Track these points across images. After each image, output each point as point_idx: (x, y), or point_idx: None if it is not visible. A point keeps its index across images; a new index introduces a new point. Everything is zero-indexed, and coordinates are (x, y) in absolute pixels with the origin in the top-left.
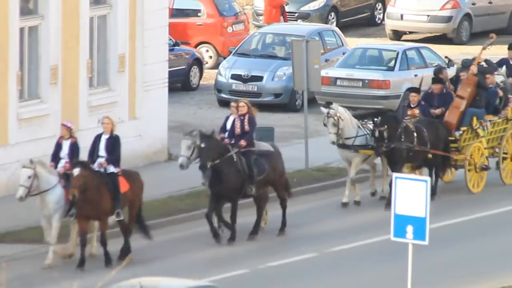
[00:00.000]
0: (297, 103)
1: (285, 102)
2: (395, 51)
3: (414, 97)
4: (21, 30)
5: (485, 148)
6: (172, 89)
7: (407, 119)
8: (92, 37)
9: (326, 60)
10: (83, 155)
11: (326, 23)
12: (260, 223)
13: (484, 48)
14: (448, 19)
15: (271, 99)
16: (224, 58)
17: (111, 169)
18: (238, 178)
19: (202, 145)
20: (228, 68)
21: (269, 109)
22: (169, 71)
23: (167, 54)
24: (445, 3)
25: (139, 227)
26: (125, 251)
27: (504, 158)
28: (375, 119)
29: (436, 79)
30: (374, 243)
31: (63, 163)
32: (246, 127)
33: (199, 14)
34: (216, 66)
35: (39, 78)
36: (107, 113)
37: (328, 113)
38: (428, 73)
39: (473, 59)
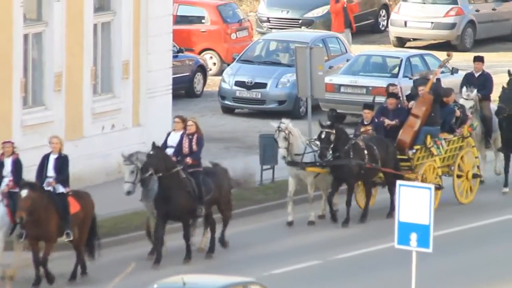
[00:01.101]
0: (301, 110)
1: (289, 109)
2: (399, 58)
3: (367, 114)
4: (25, 37)
5: (439, 167)
6: (176, 96)
7: (361, 135)
8: (96, 44)
9: (330, 67)
10: (28, 172)
11: (330, 30)
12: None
13: (441, 66)
14: (452, 26)
15: (275, 106)
16: (228, 65)
17: (60, 189)
18: (189, 198)
19: (151, 152)
20: (232, 75)
21: (273, 116)
22: (173, 78)
23: (171, 61)
24: (449, 10)
25: (87, 246)
26: (83, 268)
27: (459, 176)
28: (322, 123)
29: (391, 93)
30: (378, 251)
31: (6, 181)
32: (194, 147)
33: (203, 21)
34: (220, 73)
35: (43, 85)
36: (112, 120)
37: (279, 127)
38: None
39: (424, 78)
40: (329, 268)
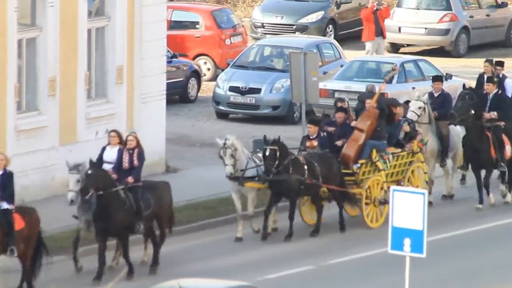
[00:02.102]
0: (295, 115)
1: (283, 115)
2: (392, 63)
3: (311, 129)
4: (19, 42)
5: (385, 182)
6: (170, 101)
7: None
8: (90, 49)
9: (324, 73)
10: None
11: (324, 35)
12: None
13: (386, 80)
14: (446, 32)
15: (269, 112)
16: (222, 70)
17: (4, 205)
18: (127, 214)
19: (89, 172)
20: (226, 80)
21: (267, 121)
22: (167, 83)
23: (165, 66)
24: (442, 16)
25: (32, 263)
26: (28, 284)
27: None
28: (266, 138)
29: (339, 108)
30: (372, 256)
31: None
32: (135, 162)
33: (197, 26)
34: (214, 78)
35: (37, 90)
36: (106, 125)
37: (224, 144)
38: (426, 86)
39: (370, 92)
40: (323, 273)
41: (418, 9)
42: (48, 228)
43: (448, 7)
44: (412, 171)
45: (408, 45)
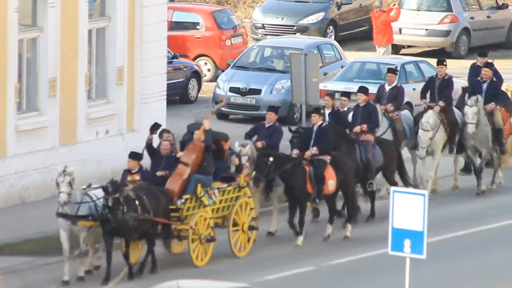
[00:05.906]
0: (295, 116)
1: (283, 116)
2: (393, 65)
3: (132, 163)
4: (20, 42)
5: (212, 218)
6: (171, 101)
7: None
8: (91, 50)
9: (325, 74)
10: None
11: (325, 36)
12: None
13: (212, 113)
14: (447, 33)
15: None
16: (223, 71)
17: None
18: None
19: None
20: (226, 81)
21: None
22: (168, 84)
23: (166, 66)
24: (443, 17)
25: None
26: None
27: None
28: (106, 186)
29: (166, 140)
30: (372, 257)
31: None
32: None
33: (197, 27)
34: (214, 79)
35: (38, 90)
36: (106, 125)
37: (64, 171)
38: None
39: (197, 123)
40: (323, 274)
41: (419, 10)
42: (48, 228)
43: (449, 9)
44: (239, 207)
45: (409, 46)
